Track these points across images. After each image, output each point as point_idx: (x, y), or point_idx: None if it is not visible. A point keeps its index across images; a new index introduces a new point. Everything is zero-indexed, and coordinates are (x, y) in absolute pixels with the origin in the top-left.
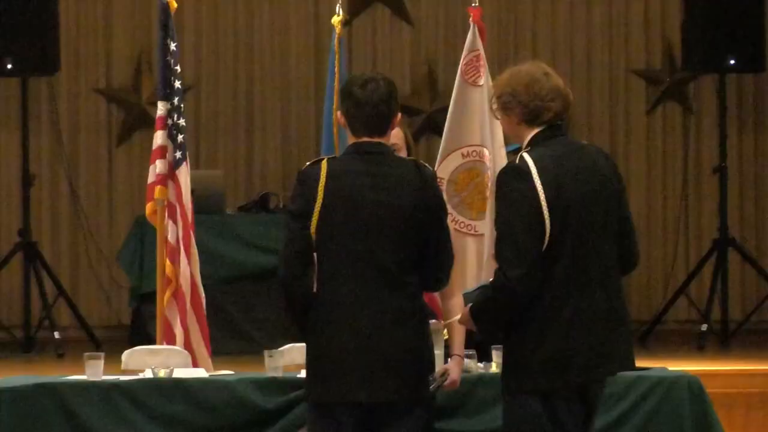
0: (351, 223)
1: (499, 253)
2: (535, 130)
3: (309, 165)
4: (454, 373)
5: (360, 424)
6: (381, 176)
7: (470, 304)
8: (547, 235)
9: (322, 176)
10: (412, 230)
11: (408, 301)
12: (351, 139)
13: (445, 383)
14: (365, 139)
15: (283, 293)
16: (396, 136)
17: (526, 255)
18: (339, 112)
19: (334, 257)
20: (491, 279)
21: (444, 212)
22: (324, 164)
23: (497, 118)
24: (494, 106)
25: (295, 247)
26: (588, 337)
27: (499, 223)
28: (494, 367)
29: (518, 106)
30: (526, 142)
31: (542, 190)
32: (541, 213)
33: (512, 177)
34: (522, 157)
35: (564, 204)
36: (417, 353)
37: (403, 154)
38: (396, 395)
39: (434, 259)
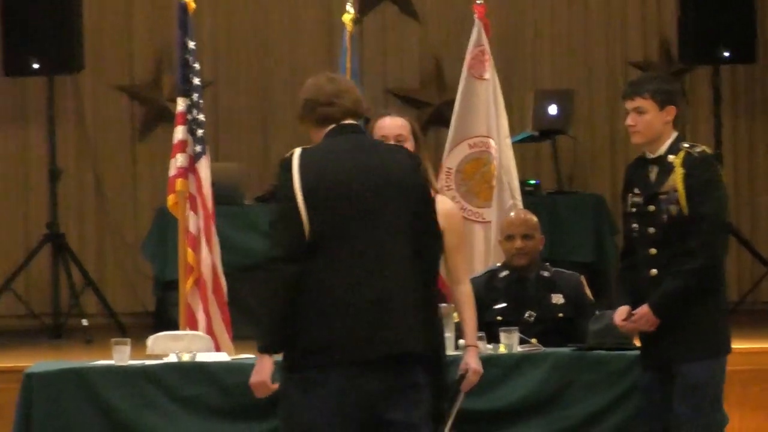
0: None
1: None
2: (325, 130)
3: None
4: (474, 364)
5: None
6: None
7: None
8: (306, 224)
9: None
10: None
11: None
12: None
13: (470, 376)
14: None
15: None
16: (402, 127)
17: (288, 244)
18: None
19: None
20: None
21: None
22: None
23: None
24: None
25: None
26: None
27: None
28: (502, 348)
29: (308, 112)
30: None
31: (299, 181)
32: (295, 202)
33: (281, 168)
34: (293, 151)
35: (324, 195)
36: None
37: (409, 145)
38: None
39: None
